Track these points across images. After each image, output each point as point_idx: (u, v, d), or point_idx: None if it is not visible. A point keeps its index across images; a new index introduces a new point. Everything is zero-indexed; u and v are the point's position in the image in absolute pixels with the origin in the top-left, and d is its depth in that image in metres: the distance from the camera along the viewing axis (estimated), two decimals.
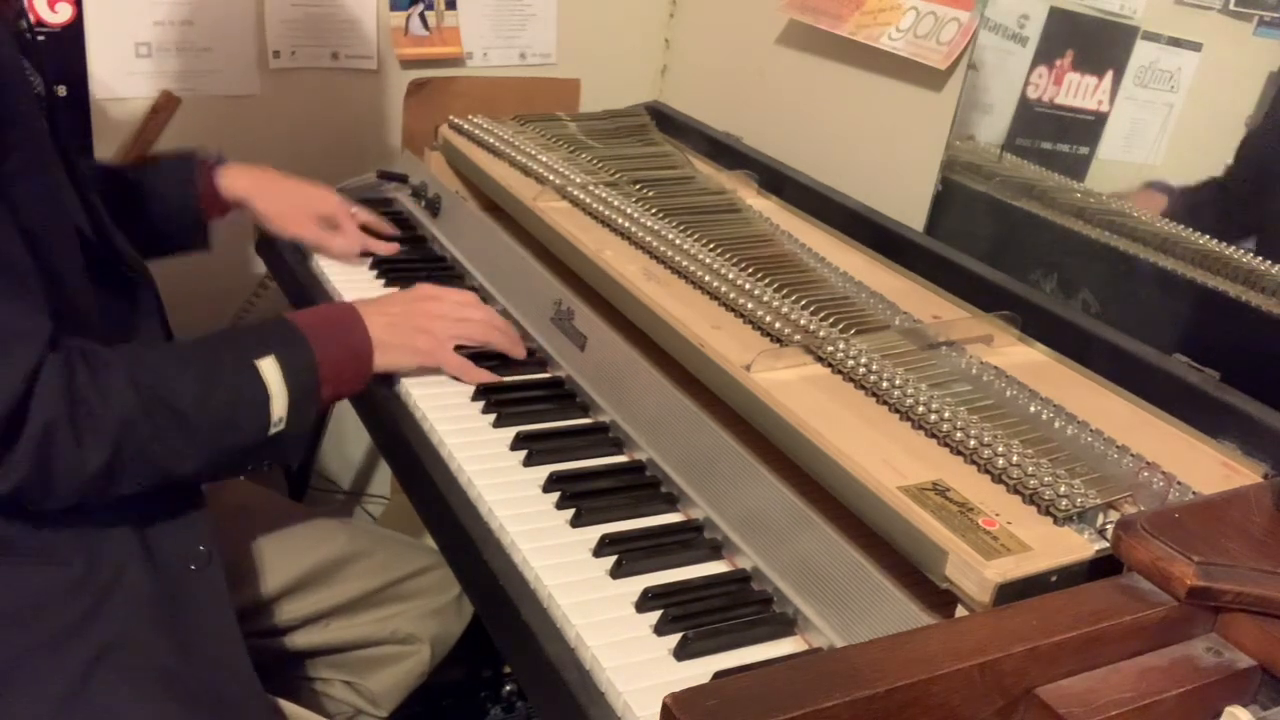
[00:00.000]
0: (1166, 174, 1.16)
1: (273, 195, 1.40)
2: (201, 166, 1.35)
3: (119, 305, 1.05)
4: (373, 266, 1.43)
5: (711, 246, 1.22)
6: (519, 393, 1.15)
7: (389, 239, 1.46)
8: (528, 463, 1.04)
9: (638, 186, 1.40)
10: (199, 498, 1.03)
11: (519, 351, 1.21)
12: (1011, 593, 0.74)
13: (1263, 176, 1.06)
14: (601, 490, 1.00)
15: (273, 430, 1.00)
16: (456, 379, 1.16)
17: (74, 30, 1.53)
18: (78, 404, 0.88)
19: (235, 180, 1.37)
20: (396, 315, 1.14)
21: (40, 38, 1.49)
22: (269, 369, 0.99)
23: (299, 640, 1.24)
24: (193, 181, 1.33)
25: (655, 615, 0.85)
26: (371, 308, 1.13)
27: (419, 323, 1.15)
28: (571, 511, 0.97)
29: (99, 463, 0.89)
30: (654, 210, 1.32)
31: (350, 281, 1.38)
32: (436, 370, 1.17)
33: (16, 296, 0.87)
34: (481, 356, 1.18)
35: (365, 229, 1.45)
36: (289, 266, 1.44)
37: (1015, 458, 0.86)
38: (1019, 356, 1.10)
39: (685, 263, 1.18)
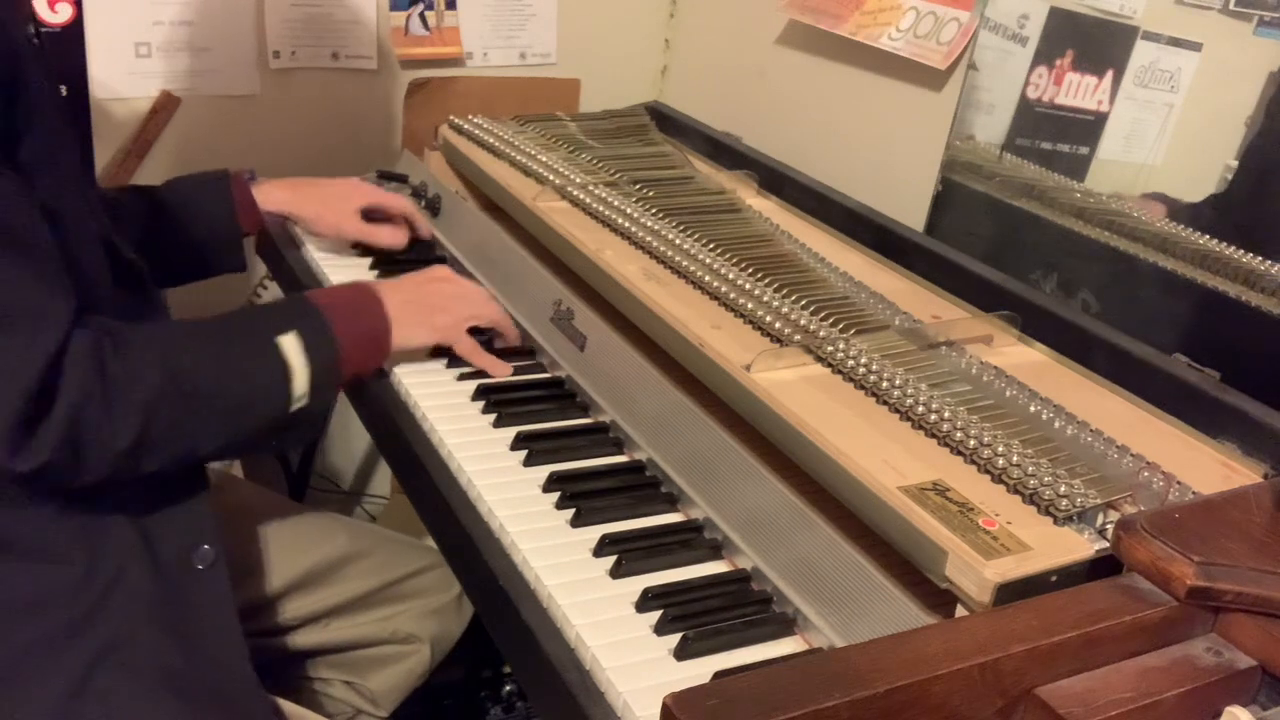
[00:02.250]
0: (1167, 174, 1.16)
1: (311, 199, 1.40)
2: (236, 183, 1.35)
3: (133, 299, 1.05)
4: (373, 267, 1.43)
5: (711, 246, 1.22)
6: (519, 393, 1.15)
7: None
8: (528, 463, 1.04)
9: (638, 186, 1.41)
10: (202, 496, 1.03)
11: (514, 339, 1.23)
12: (1011, 593, 0.74)
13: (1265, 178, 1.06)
14: (601, 490, 1.00)
15: (294, 406, 1.00)
16: (466, 372, 1.17)
17: (74, 30, 1.54)
18: (107, 382, 0.88)
19: (271, 193, 1.38)
20: (413, 294, 1.16)
21: (41, 39, 1.49)
22: (290, 345, 1.00)
23: (299, 640, 1.24)
24: (229, 199, 1.34)
25: (655, 615, 0.85)
26: (388, 286, 1.15)
27: (436, 301, 1.16)
28: (571, 511, 0.97)
29: (128, 440, 0.90)
30: (654, 210, 1.32)
31: (350, 279, 1.37)
32: (437, 369, 1.18)
33: (41, 275, 0.87)
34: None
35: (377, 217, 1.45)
36: (289, 266, 1.44)
37: (1015, 458, 0.86)
38: (1019, 356, 1.10)
39: (685, 263, 1.18)
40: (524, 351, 1.23)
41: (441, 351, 1.20)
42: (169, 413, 0.92)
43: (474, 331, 1.20)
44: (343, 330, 1.05)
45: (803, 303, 1.09)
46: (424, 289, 1.17)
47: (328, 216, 1.40)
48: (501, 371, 1.18)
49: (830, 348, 1.01)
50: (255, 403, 0.99)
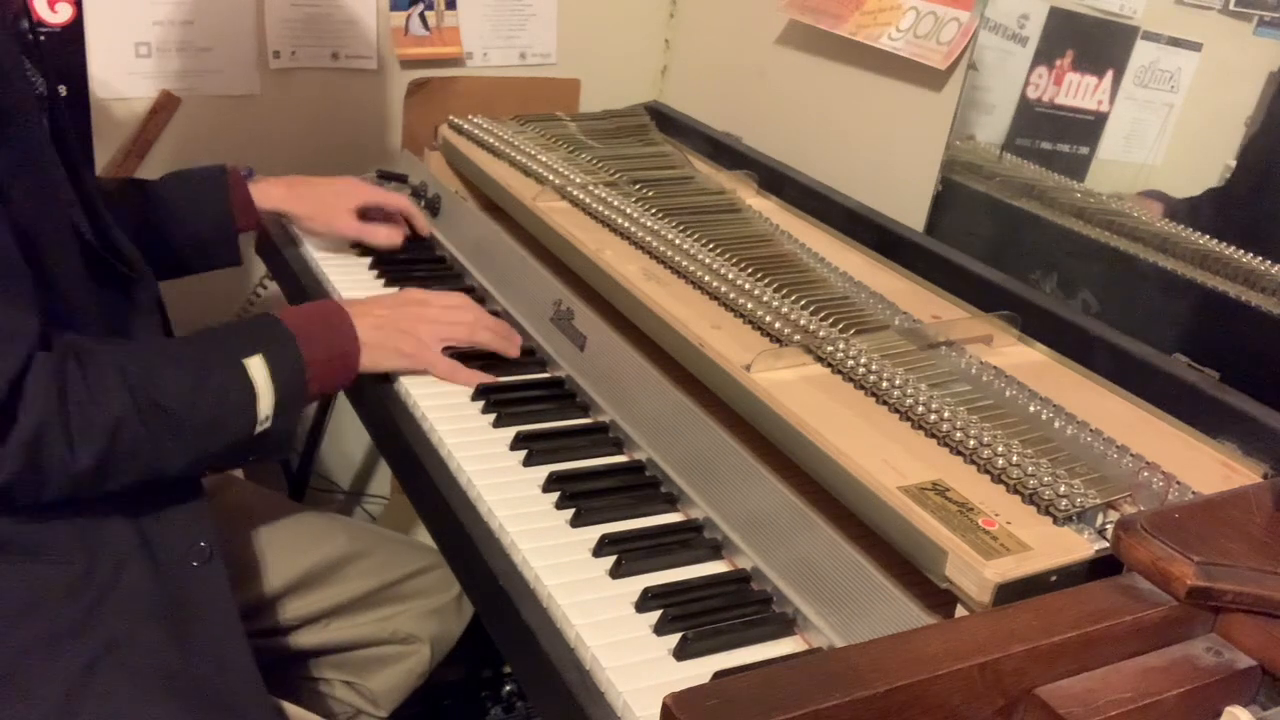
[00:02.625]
0: (1167, 174, 1.16)
1: (307, 198, 1.41)
2: (233, 179, 1.35)
3: (117, 304, 1.05)
4: (372, 266, 1.43)
5: (711, 246, 1.22)
6: (519, 393, 1.15)
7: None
8: (527, 463, 1.04)
9: (638, 186, 1.40)
10: (198, 494, 1.03)
11: (512, 350, 1.21)
12: (1011, 593, 0.74)
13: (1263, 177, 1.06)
14: (601, 490, 1.00)
15: (259, 429, 1.00)
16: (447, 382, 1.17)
17: (74, 30, 1.54)
18: (69, 405, 0.88)
19: (268, 191, 1.38)
20: (383, 317, 1.14)
21: (40, 38, 1.49)
22: (256, 368, 1.00)
23: (299, 640, 1.24)
24: (225, 195, 1.34)
25: (655, 615, 0.85)
26: (360, 308, 1.14)
27: (404, 325, 1.15)
28: (571, 511, 0.97)
29: (90, 461, 0.90)
30: (654, 210, 1.32)
31: (350, 281, 1.38)
32: None
33: (5, 295, 0.87)
34: (474, 357, 1.18)
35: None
36: (289, 266, 1.44)
37: (1015, 458, 0.86)
38: (1019, 356, 1.10)
39: (685, 263, 1.18)
40: (523, 351, 1.23)
41: None
42: (132, 434, 0.92)
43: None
44: (310, 353, 1.04)
45: (803, 303, 1.09)
46: (396, 312, 1.16)
47: (323, 214, 1.40)
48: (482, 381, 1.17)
49: (830, 348, 1.01)
50: (220, 425, 0.99)
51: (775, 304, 1.10)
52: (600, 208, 1.33)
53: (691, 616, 0.85)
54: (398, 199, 1.46)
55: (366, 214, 1.43)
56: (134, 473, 0.94)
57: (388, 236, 1.42)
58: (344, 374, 1.11)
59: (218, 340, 1.04)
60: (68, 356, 0.90)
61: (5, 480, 0.87)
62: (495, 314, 1.26)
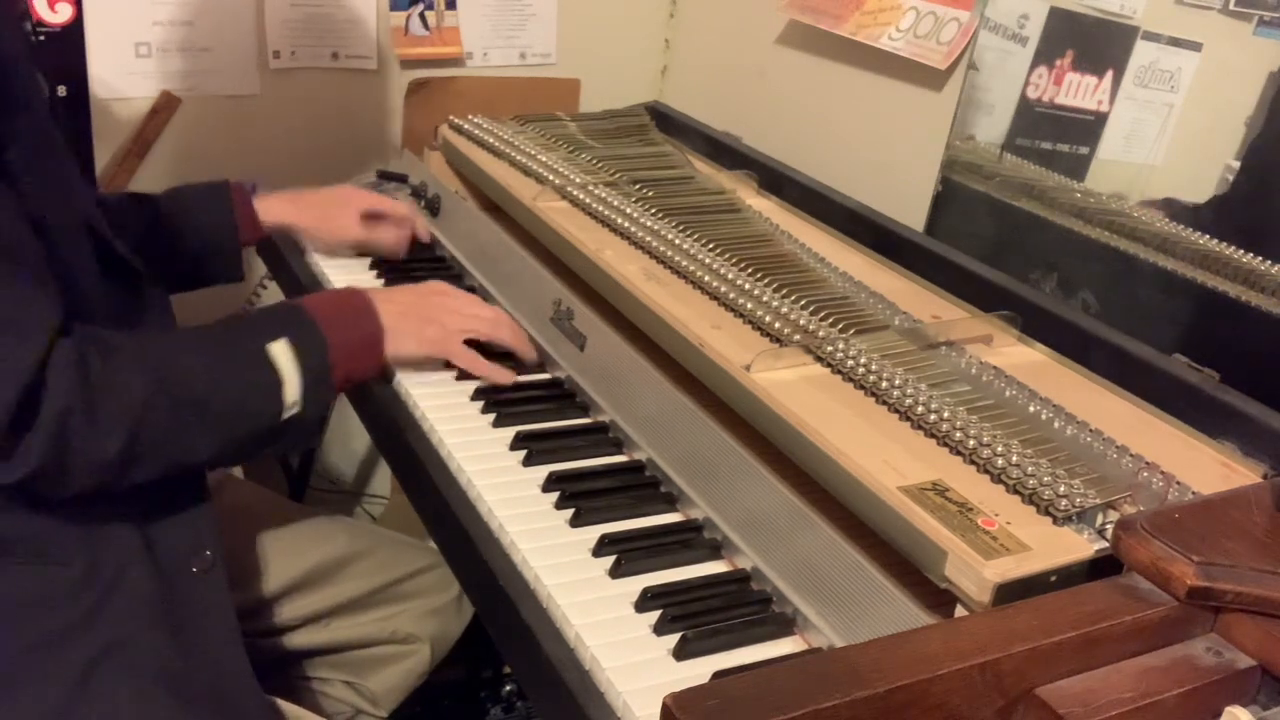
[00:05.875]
0: (1167, 174, 1.16)
1: (311, 209, 1.40)
2: (237, 194, 1.35)
3: (127, 299, 1.05)
4: (372, 266, 1.43)
5: (711, 246, 1.22)
6: (519, 392, 1.15)
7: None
8: (527, 462, 1.04)
9: (638, 186, 1.40)
10: (203, 498, 1.03)
11: (528, 352, 1.21)
12: (1011, 593, 0.74)
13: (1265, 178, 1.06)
14: (601, 490, 1.00)
15: (286, 414, 1.00)
16: (465, 372, 1.17)
17: (74, 30, 1.53)
18: (93, 391, 0.87)
19: (272, 206, 1.37)
20: (408, 304, 1.15)
21: (40, 38, 1.49)
22: (281, 352, 0.99)
23: (299, 640, 1.24)
24: (230, 211, 1.33)
25: (655, 615, 0.85)
26: (383, 295, 1.14)
27: (430, 313, 1.16)
28: (571, 511, 0.97)
29: (115, 450, 0.89)
30: (654, 210, 1.32)
31: (350, 281, 1.38)
32: (437, 370, 1.17)
33: (25, 283, 0.86)
34: (489, 355, 1.18)
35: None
36: (289, 266, 1.44)
37: (1015, 458, 0.86)
38: (1019, 356, 1.10)
39: (685, 263, 1.18)
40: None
41: None
42: (157, 422, 0.91)
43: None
44: (335, 338, 1.04)
45: (803, 303, 1.09)
46: (421, 300, 1.16)
47: (329, 223, 1.40)
48: (503, 378, 1.16)
49: (830, 348, 1.01)
50: (246, 411, 0.98)
51: (775, 304, 1.10)
52: (600, 208, 1.33)
53: (691, 616, 0.85)
54: (399, 204, 1.46)
55: (368, 220, 1.43)
56: (160, 461, 0.93)
57: (394, 241, 1.41)
58: (370, 360, 1.10)
59: (239, 327, 1.04)
60: (88, 344, 0.89)
61: (32, 469, 0.86)
62: None
